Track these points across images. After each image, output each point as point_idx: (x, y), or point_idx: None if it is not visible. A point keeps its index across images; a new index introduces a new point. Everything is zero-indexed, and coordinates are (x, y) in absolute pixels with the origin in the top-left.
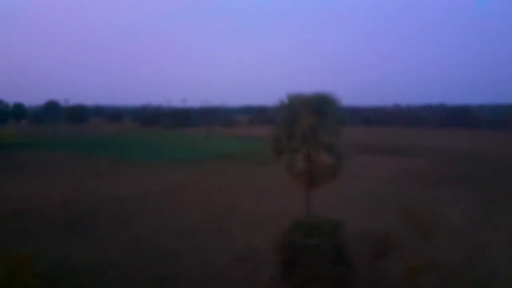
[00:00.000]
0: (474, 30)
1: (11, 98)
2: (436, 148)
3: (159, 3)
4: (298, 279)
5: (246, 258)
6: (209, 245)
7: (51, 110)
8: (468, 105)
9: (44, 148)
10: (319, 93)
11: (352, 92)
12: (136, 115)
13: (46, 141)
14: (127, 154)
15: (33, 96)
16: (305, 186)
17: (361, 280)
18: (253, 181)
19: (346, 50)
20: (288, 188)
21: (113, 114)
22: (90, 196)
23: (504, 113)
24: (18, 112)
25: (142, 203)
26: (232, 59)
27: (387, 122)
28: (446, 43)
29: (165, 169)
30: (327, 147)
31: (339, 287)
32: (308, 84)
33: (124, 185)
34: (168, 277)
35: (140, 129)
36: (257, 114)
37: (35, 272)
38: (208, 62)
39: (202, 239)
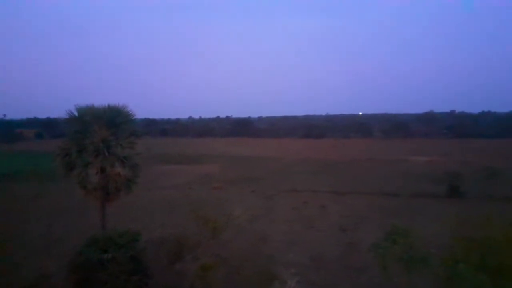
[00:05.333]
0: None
1: None
2: (225, 155)
3: None
4: None
5: (34, 287)
6: None
7: None
8: (249, 118)
9: None
10: (112, 105)
11: (149, 105)
12: None
13: None
14: None
15: None
16: (100, 201)
17: (158, 285)
18: (43, 201)
19: (143, 65)
20: (83, 205)
21: None
22: None
23: (276, 124)
24: None
25: None
26: (16, 66)
27: (182, 133)
28: (226, 64)
29: None
30: (121, 159)
31: None
32: (102, 97)
33: None
34: None
35: None
36: (45, 128)
37: None
38: None
39: None
